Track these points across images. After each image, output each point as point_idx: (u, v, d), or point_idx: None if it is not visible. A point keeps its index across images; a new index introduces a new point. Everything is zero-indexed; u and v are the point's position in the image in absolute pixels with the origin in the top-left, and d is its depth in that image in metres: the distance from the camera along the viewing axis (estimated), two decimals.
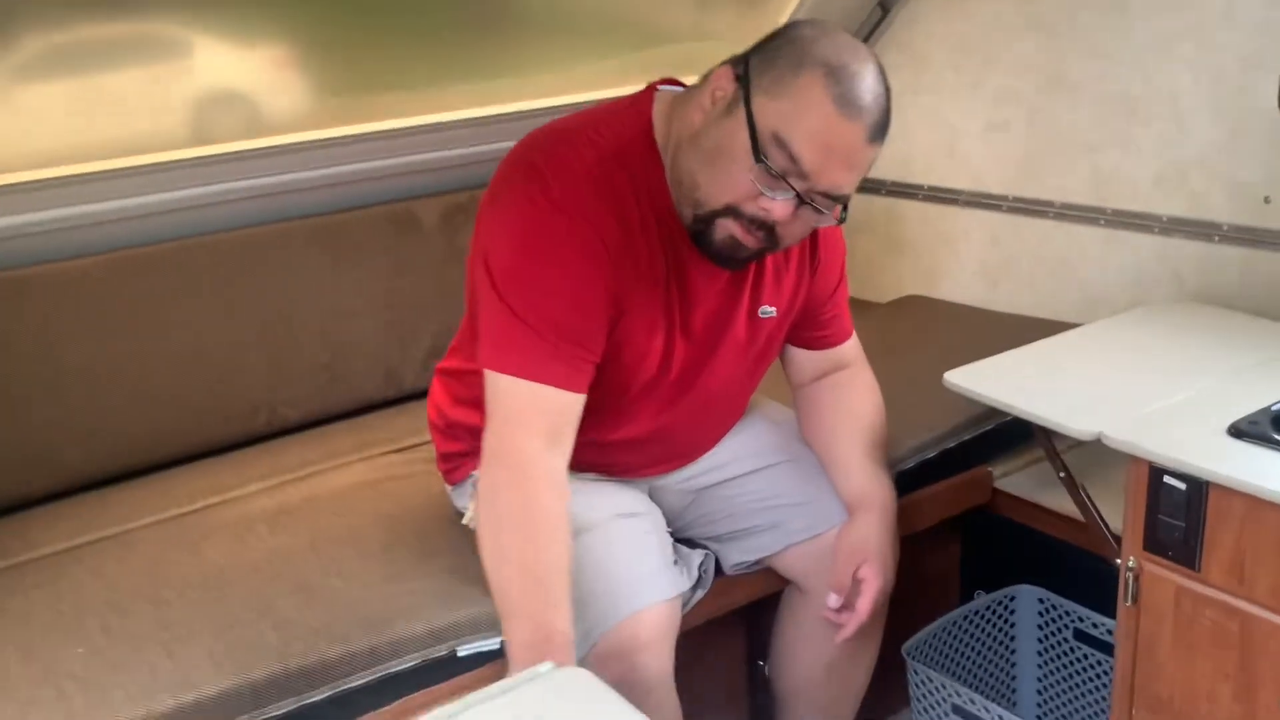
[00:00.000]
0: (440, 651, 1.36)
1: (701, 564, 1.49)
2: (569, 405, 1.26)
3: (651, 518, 1.46)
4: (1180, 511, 1.30)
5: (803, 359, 1.55)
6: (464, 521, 1.48)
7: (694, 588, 1.48)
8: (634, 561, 1.37)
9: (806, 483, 1.53)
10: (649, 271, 1.30)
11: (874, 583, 1.43)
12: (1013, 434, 1.84)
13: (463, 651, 1.37)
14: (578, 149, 1.27)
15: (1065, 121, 2.09)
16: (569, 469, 1.44)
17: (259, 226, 1.95)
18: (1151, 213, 1.99)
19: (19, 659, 1.31)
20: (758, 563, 1.55)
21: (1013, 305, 2.24)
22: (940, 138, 2.31)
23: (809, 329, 1.52)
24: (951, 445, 1.80)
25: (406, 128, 2.02)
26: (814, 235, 1.45)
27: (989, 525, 1.94)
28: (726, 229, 1.24)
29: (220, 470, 1.84)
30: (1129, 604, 1.38)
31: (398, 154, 2.02)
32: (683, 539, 1.55)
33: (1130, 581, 1.37)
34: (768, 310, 1.43)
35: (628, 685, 1.31)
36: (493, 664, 1.39)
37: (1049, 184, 2.14)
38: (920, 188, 2.38)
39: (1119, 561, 1.39)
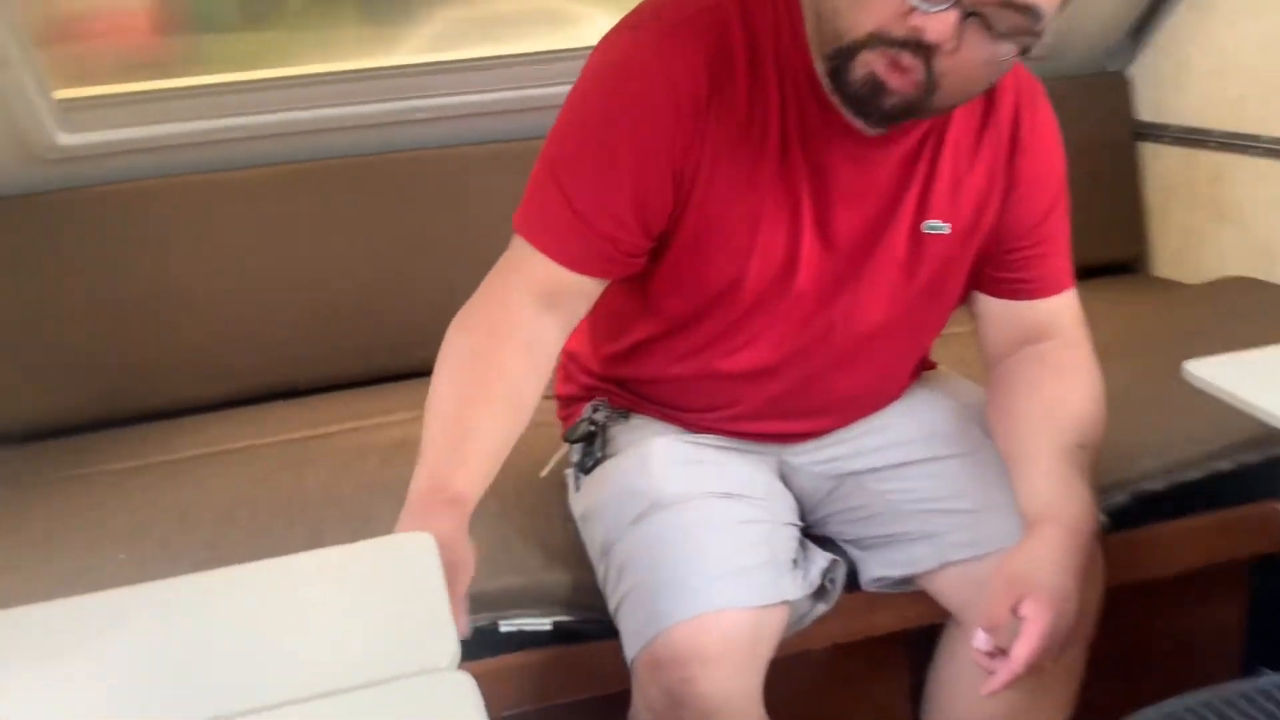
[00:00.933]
0: (478, 621, 1.15)
1: (827, 571, 1.18)
2: (579, 287, 1.05)
3: (766, 504, 1.16)
4: None
5: (995, 314, 1.19)
6: (541, 474, 1.27)
7: (815, 599, 1.17)
8: (716, 552, 1.09)
9: (981, 486, 1.17)
10: (754, 140, 1.03)
11: (1038, 623, 1.04)
12: None
13: (505, 627, 1.16)
14: None
15: None
16: (690, 427, 1.20)
17: (440, 149, 1.83)
18: None
19: (64, 553, 1.27)
20: (905, 581, 1.21)
21: None
22: None
23: (1000, 267, 1.16)
24: (1224, 468, 1.34)
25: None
26: (1014, 138, 1.10)
27: None
28: (866, 65, 0.94)
29: (380, 398, 1.75)
30: None
31: None
32: (818, 537, 1.24)
33: None
34: (936, 225, 1.09)
35: (679, 702, 1.04)
36: (540, 649, 1.17)
37: None
38: (1256, 140, 1.84)
39: None
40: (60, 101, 1.65)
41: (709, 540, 1.09)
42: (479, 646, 1.16)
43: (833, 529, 1.25)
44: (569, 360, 1.30)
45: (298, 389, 1.78)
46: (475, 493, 0.97)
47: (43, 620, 0.78)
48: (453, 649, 0.75)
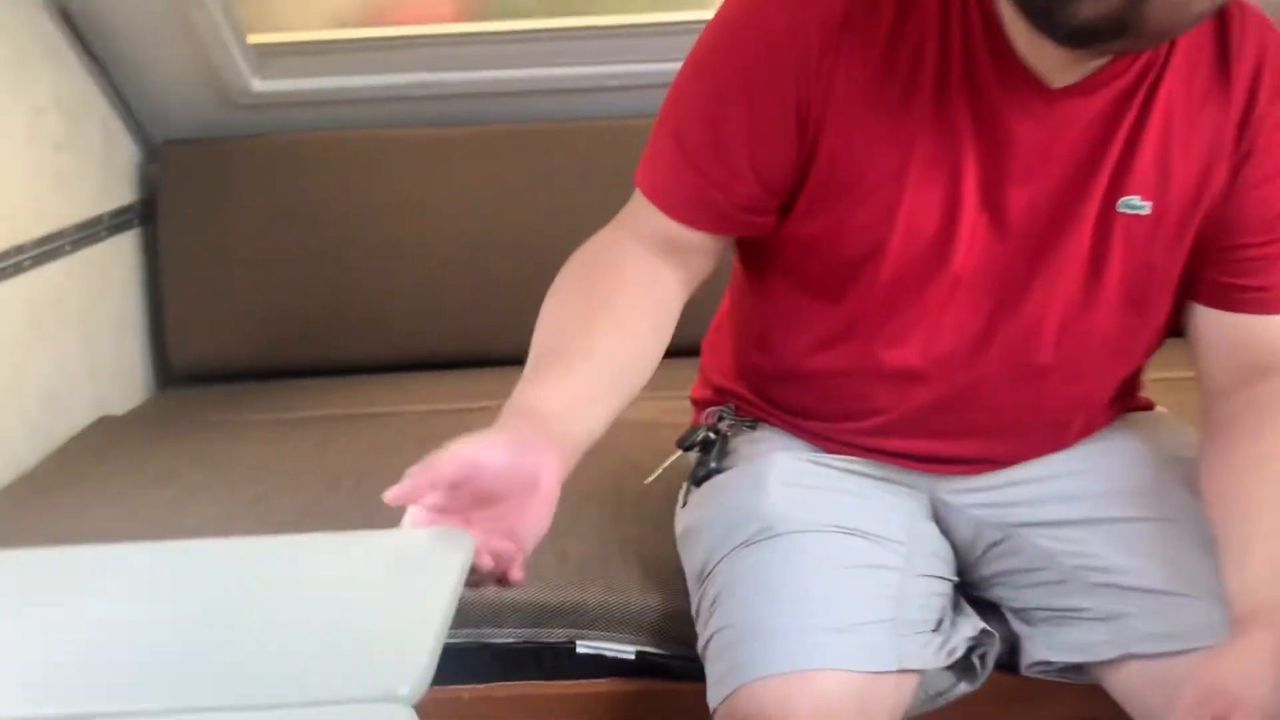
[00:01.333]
0: (554, 637, 1.02)
1: (975, 645, 0.96)
2: (691, 242, 0.91)
3: (904, 549, 0.95)
4: None
5: (1214, 332, 0.92)
6: (646, 480, 1.12)
7: (957, 675, 0.96)
8: (827, 597, 0.89)
9: (1182, 563, 0.91)
10: (900, 79, 0.84)
11: None
12: None
13: (583, 648, 1.02)
14: None
15: None
16: (824, 443, 1.02)
17: (636, 119, 1.70)
18: None
19: (165, 497, 1.24)
20: (1076, 669, 0.97)
21: None
22: None
23: (1223, 268, 0.90)
24: None
25: None
26: (1252, 101, 0.86)
27: None
28: None
29: None
30: None
31: None
32: (983, 600, 1.02)
33: None
34: (1135, 203, 0.87)
35: None
36: (618, 679, 1.01)
37: None
38: None
39: None
40: (255, 47, 1.65)
41: (820, 582, 0.90)
42: (545, 664, 1.03)
43: (998, 592, 1.02)
44: (704, 358, 1.14)
45: (456, 360, 1.70)
46: (556, 409, 0.79)
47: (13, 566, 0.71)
48: (418, 676, 0.61)
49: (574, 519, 1.13)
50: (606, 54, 1.69)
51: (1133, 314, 0.92)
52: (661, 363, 1.70)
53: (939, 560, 0.98)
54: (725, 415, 1.06)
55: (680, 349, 1.72)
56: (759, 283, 1.00)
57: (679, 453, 1.09)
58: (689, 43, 1.66)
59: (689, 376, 1.38)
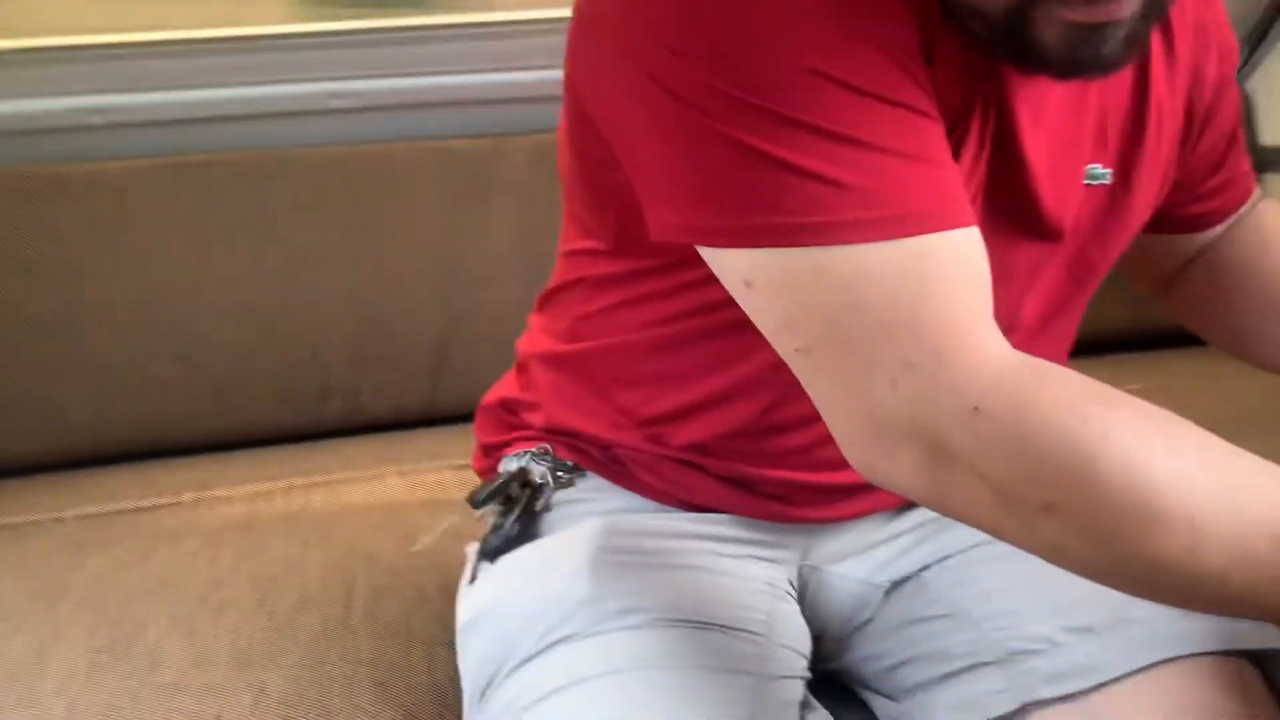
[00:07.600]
0: None
1: None
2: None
3: (761, 644, 0.71)
4: None
5: (1168, 248, 0.86)
6: (413, 547, 0.86)
7: None
8: None
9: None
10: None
11: None
12: None
13: None
14: None
15: None
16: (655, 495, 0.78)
17: (359, 145, 1.38)
18: None
19: None
20: None
21: None
22: None
23: (1182, 205, 0.82)
24: None
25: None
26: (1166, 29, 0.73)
27: None
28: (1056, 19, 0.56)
29: (252, 462, 1.29)
30: None
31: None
32: (859, 684, 0.80)
33: None
34: (1098, 173, 0.71)
35: None
36: None
37: None
38: None
39: None
40: None
41: (644, 704, 0.64)
42: None
43: (870, 666, 0.79)
44: (515, 375, 0.86)
45: (154, 450, 1.33)
46: None
47: None
48: None
49: (278, 637, 0.83)
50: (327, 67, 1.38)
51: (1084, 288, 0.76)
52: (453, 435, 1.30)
53: (798, 648, 0.74)
54: (542, 458, 0.79)
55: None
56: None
57: (465, 511, 0.80)
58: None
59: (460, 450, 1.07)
